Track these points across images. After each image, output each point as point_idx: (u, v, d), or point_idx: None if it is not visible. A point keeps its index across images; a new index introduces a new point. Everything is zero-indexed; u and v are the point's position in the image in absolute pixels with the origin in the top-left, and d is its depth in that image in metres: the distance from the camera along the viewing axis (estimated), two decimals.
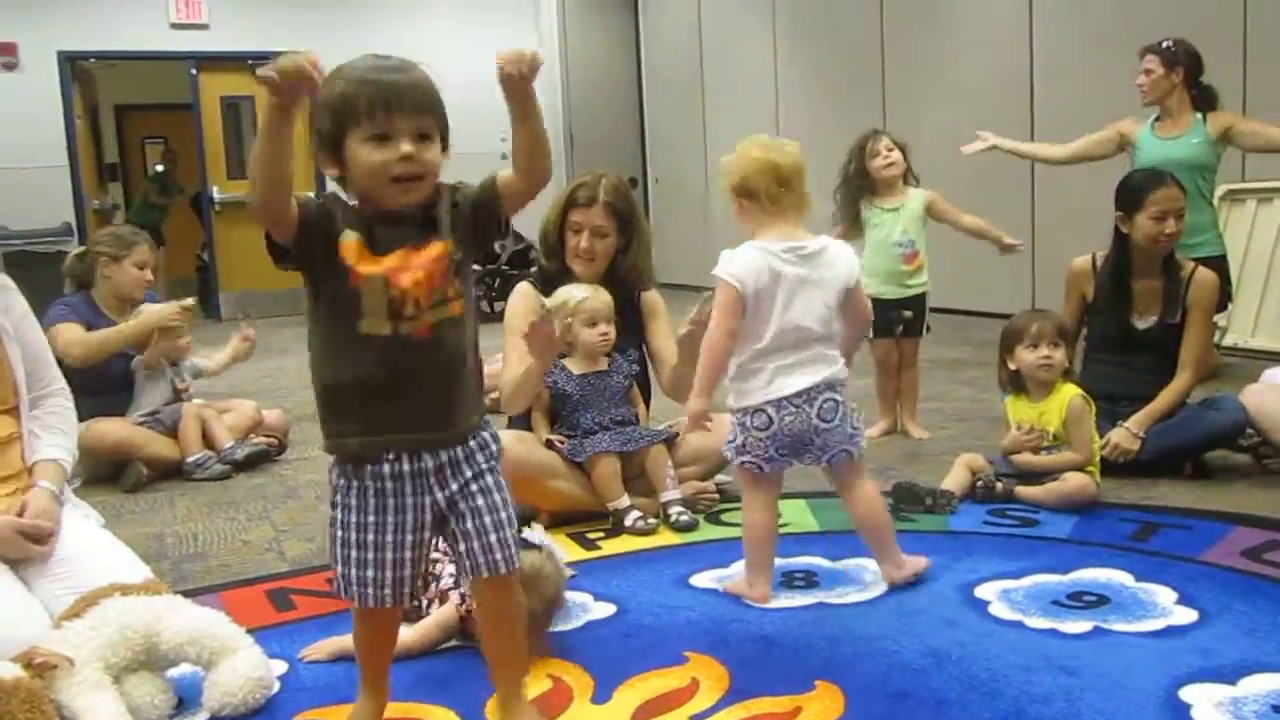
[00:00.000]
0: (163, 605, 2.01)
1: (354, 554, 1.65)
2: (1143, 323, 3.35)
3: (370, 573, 1.65)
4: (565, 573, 2.27)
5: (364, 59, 1.62)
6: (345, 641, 2.13)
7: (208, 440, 3.94)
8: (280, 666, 2.12)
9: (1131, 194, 3.34)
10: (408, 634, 2.15)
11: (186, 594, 2.27)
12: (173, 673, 2.02)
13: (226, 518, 3.34)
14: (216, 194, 10.19)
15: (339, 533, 1.67)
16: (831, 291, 2.35)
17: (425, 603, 2.24)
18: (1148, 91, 4.49)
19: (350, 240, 1.60)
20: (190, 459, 3.85)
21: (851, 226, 3.96)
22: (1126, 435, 3.22)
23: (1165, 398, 3.26)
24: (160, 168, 11.50)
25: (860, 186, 3.94)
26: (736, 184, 2.37)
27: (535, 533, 2.30)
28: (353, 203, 1.65)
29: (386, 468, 1.63)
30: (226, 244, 10.26)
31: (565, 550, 2.77)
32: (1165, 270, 3.33)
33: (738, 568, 2.51)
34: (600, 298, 3.02)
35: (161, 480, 3.82)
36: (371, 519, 1.64)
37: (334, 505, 1.68)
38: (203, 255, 10.16)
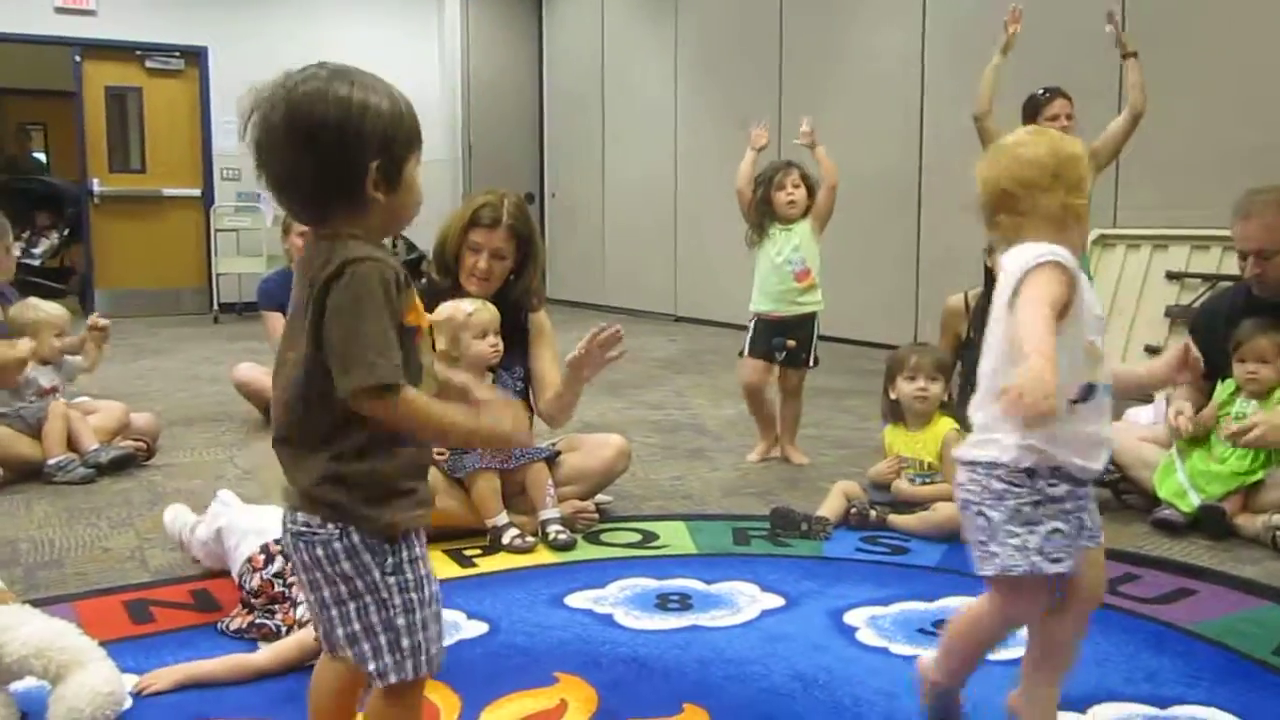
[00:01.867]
0: (8, 615, 1.92)
1: (434, 625, 1.45)
2: None
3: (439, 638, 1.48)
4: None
5: (357, 72, 1.39)
6: (191, 669, 2.06)
7: (72, 442, 3.78)
8: (133, 682, 2.04)
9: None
10: (264, 654, 2.10)
11: (38, 603, 2.16)
12: (16, 686, 1.93)
13: (87, 524, 3.21)
14: (97, 186, 9.83)
15: (431, 608, 1.45)
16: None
17: (283, 627, 2.20)
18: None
19: (411, 289, 1.42)
20: (52, 461, 3.69)
21: (755, 236, 4.06)
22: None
23: None
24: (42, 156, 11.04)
25: (763, 212, 4.02)
26: (990, 194, 1.74)
27: None
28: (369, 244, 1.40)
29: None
30: (105, 239, 9.90)
31: (445, 569, 2.74)
32: None
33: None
34: (489, 311, 3.01)
35: (20, 482, 3.65)
36: (436, 586, 1.47)
37: (406, 583, 1.41)
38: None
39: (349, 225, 1.38)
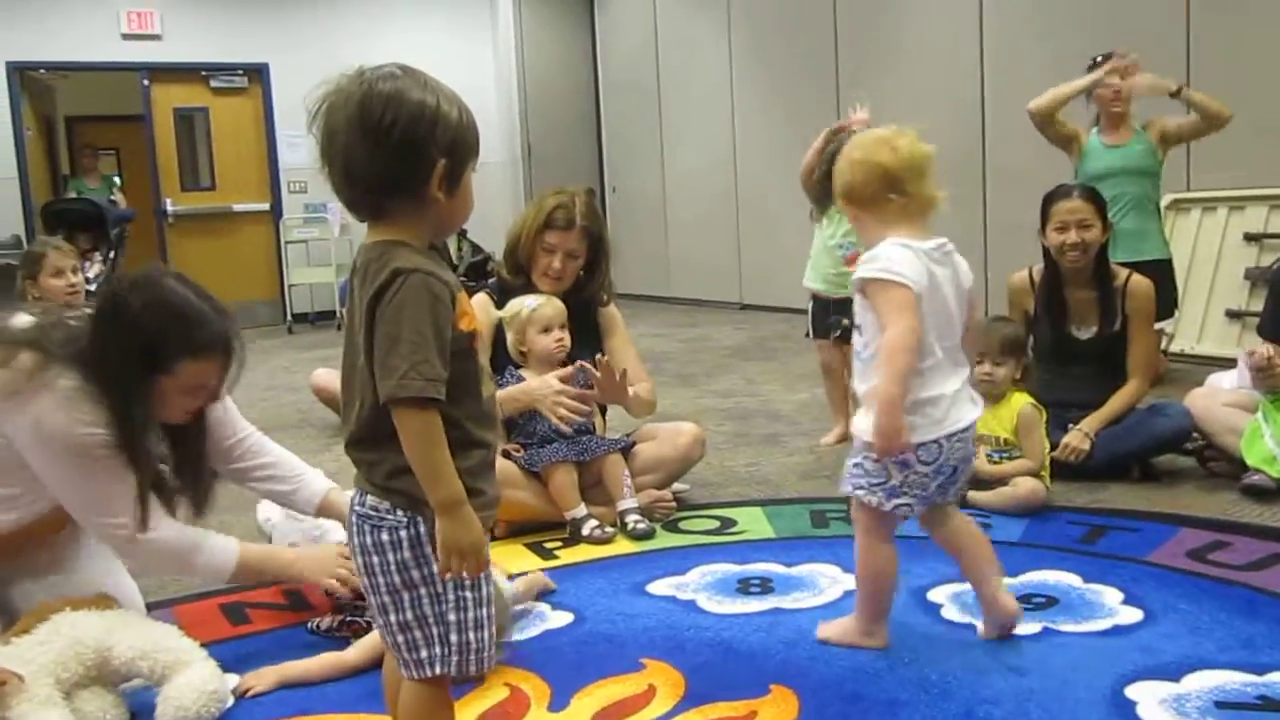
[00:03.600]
0: (115, 619, 2.00)
1: (486, 627, 1.47)
2: (1083, 333, 3.41)
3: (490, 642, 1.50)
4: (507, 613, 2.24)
5: (429, 76, 1.42)
6: (287, 670, 2.12)
7: None
8: (235, 680, 2.10)
9: (1042, 207, 3.42)
10: (354, 651, 2.15)
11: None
12: (125, 687, 2.00)
13: None
14: (170, 206, 10.09)
15: (484, 609, 1.46)
16: (965, 294, 2.09)
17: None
18: (1124, 102, 4.48)
19: (461, 294, 1.45)
20: None
21: (818, 212, 4.04)
22: (1079, 436, 3.27)
23: (1116, 402, 3.33)
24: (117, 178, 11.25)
25: (825, 189, 3.99)
26: (841, 191, 2.10)
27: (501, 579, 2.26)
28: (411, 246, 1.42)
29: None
30: (181, 256, 10.15)
31: (526, 562, 2.78)
32: (1098, 280, 3.39)
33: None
34: (553, 305, 3.05)
35: None
36: (491, 589, 1.49)
37: (463, 581, 1.43)
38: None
39: (403, 224, 1.42)
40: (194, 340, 1.99)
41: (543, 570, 2.65)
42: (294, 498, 2.44)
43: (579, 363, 3.02)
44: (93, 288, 8.25)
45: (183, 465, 2.11)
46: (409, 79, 1.39)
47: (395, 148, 1.37)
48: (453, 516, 1.37)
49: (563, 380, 2.98)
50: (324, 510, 2.44)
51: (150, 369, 1.97)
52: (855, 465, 2.10)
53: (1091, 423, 3.29)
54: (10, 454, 2.03)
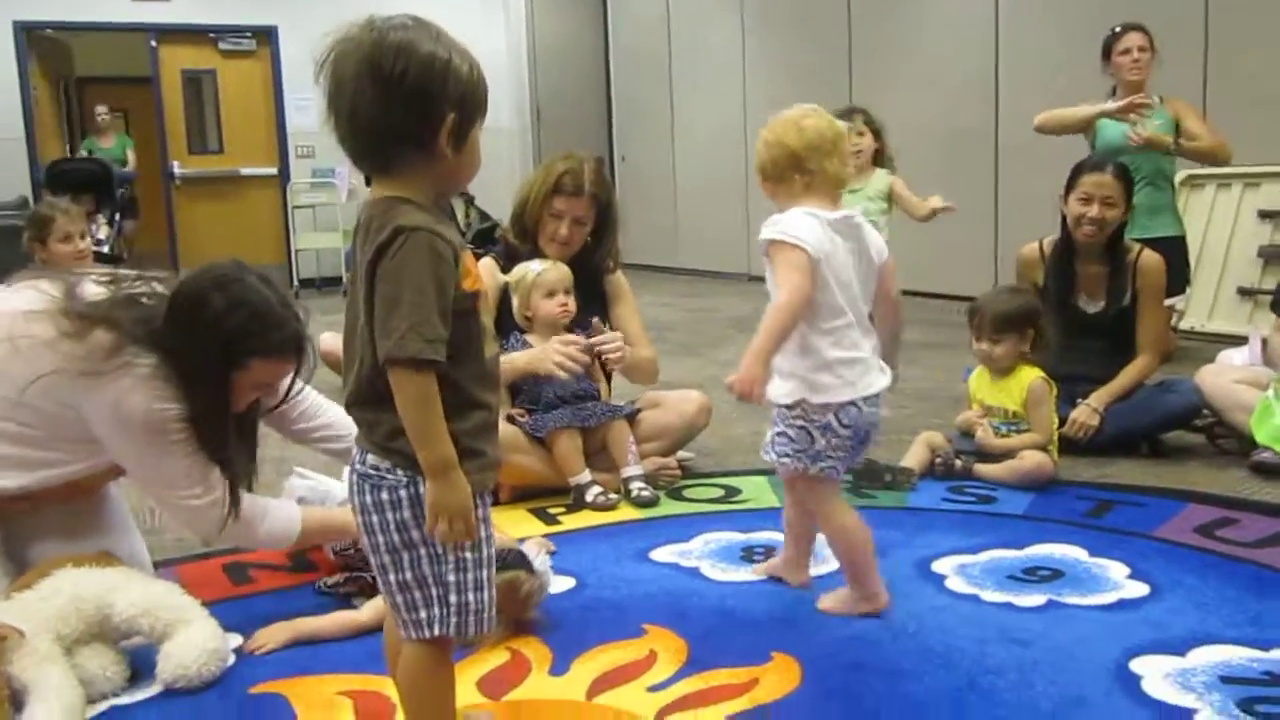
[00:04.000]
0: (116, 576, 1.99)
1: (487, 589, 1.46)
2: (1090, 307, 3.38)
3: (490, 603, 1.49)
4: (543, 594, 2.21)
5: (441, 30, 1.40)
6: (299, 626, 2.12)
7: None
8: (236, 639, 2.10)
9: (1071, 174, 3.38)
10: (365, 610, 2.15)
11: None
12: (126, 644, 2.00)
13: None
14: (177, 169, 10.06)
15: (485, 570, 1.45)
16: (874, 267, 2.16)
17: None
18: (1141, 69, 4.41)
19: (466, 254, 1.42)
20: None
21: None
22: (1087, 411, 3.26)
23: (1125, 377, 3.30)
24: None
25: None
26: (757, 170, 2.17)
27: (537, 556, 2.23)
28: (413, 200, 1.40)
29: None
30: (187, 219, 10.14)
31: (530, 527, 2.78)
32: (1109, 256, 3.35)
33: (765, 563, 2.42)
34: (558, 270, 3.03)
35: None
36: (492, 551, 1.48)
37: (464, 541, 1.42)
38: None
39: (409, 179, 1.39)
40: (271, 341, 2.00)
41: (546, 535, 2.65)
42: (347, 455, 2.43)
43: (594, 321, 3.01)
44: (106, 249, 8.18)
45: (238, 440, 2.10)
46: (421, 29, 1.37)
47: (405, 97, 1.34)
48: (441, 479, 1.36)
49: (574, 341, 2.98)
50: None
51: (226, 364, 1.99)
52: (779, 434, 2.13)
53: (1100, 398, 3.27)
54: (71, 425, 2.02)
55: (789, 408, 2.09)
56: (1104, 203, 3.26)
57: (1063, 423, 3.19)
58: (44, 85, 9.77)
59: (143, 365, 1.98)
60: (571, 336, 3.00)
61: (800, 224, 2.04)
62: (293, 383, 2.17)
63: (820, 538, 2.30)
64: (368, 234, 1.37)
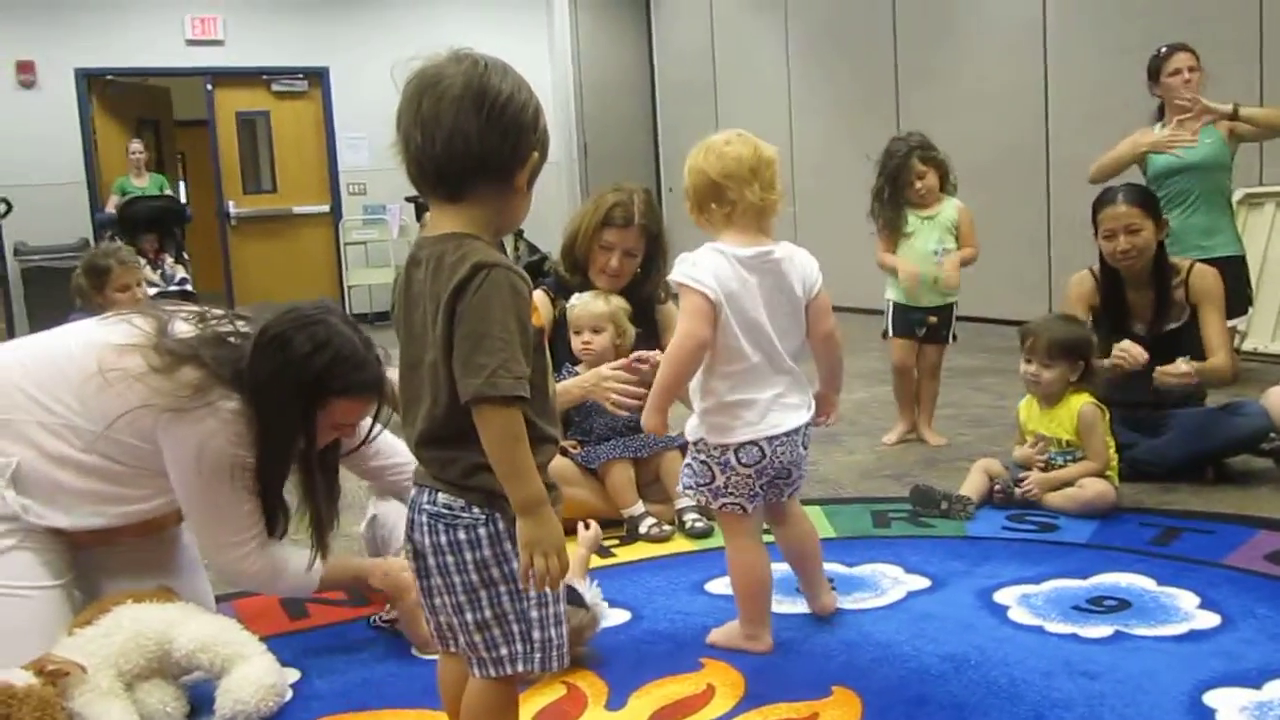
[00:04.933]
0: (176, 612, 2.01)
1: (564, 623, 1.46)
2: (1147, 331, 3.28)
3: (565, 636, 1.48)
4: (596, 628, 2.20)
5: (505, 64, 1.43)
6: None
7: None
8: (293, 674, 2.11)
9: (1091, 214, 3.31)
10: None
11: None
12: (186, 679, 2.01)
13: None
14: (232, 209, 10.25)
15: (562, 605, 1.46)
16: (800, 302, 2.12)
17: None
18: (1193, 89, 4.26)
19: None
20: None
21: (890, 240, 3.95)
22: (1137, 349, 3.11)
23: (1205, 366, 3.15)
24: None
25: (896, 206, 3.92)
26: (685, 197, 2.14)
27: (587, 589, 2.23)
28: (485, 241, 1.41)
29: None
30: (243, 258, 10.31)
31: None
32: (1156, 277, 3.25)
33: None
34: (587, 307, 3.02)
35: None
36: (563, 585, 1.47)
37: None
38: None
39: (476, 213, 1.40)
40: (352, 381, 2.03)
41: (601, 568, 2.63)
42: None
43: (635, 354, 3.00)
44: (189, 287, 8.21)
45: (318, 482, 2.12)
46: (515, 73, 1.42)
47: (504, 130, 1.37)
48: (534, 516, 1.34)
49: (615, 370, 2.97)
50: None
51: (309, 403, 2.02)
52: (686, 466, 2.16)
53: (1167, 366, 3.12)
54: (151, 460, 2.05)
55: (694, 444, 2.12)
56: (1128, 232, 3.18)
57: (1122, 448, 3.10)
58: (117, 128, 9.91)
59: (227, 407, 2.01)
60: (617, 365, 2.97)
61: (704, 265, 2.03)
62: (374, 424, 2.19)
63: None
64: (437, 270, 1.37)
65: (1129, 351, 3.11)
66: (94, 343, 2.09)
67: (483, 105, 1.35)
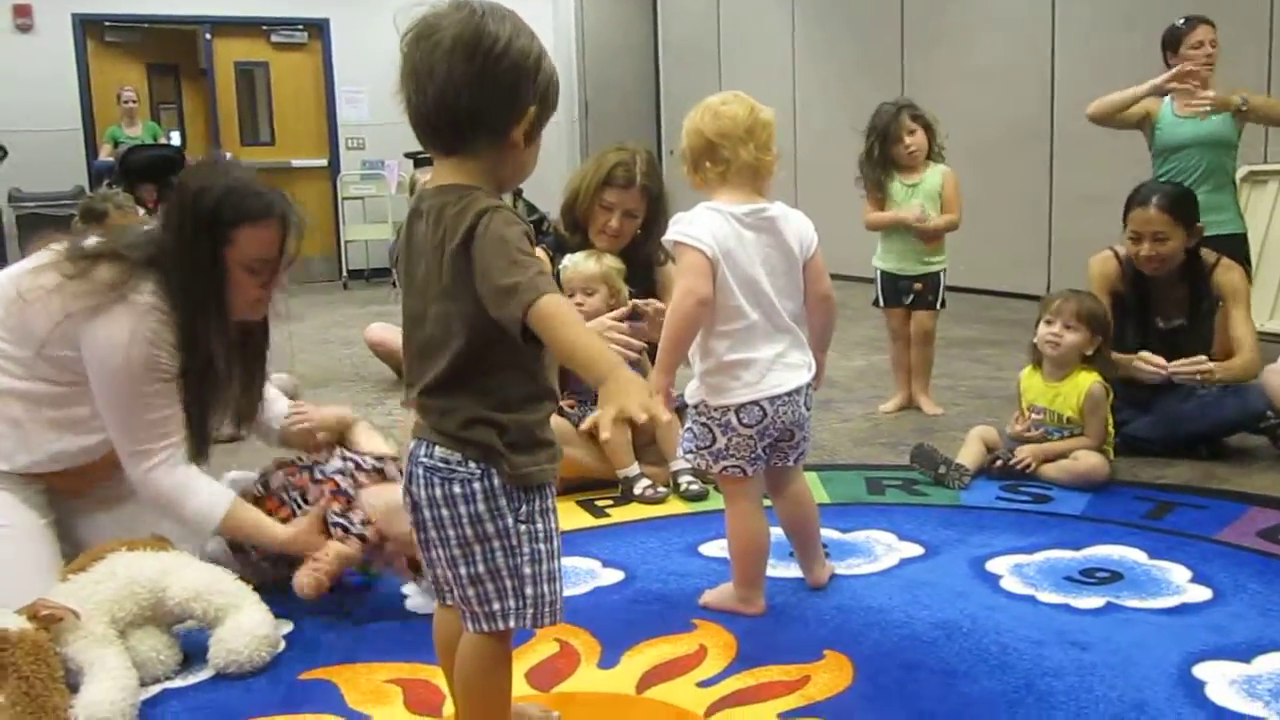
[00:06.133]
0: (170, 560, 2.01)
1: (558, 579, 1.45)
2: (1166, 323, 3.26)
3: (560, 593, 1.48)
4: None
5: (510, 12, 1.38)
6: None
7: None
8: (286, 625, 2.11)
9: (1124, 207, 3.26)
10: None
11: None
12: (179, 628, 2.01)
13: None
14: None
15: (555, 562, 1.45)
16: (797, 261, 2.12)
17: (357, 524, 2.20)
18: (1213, 64, 4.09)
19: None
20: None
21: (879, 200, 3.95)
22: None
23: (1233, 363, 3.14)
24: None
25: (884, 165, 3.93)
26: (680, 158, 2.16)
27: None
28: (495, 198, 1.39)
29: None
30: None
31: (578, 519, 2.77)
32: (1185, 273, 3.22)
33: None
34: (578, 269, 3.00)
35: None
36: (560, 542, 1.47)
37: (536, 533, 1.42)
38: None
39: (474, 166, 1.38)
40: (248, 208, 2.07)
41: (596, 528, 2.64)
42: (261, 419, 2.43)
43: (631, 302, 2.98)
44: None
45: (242, 368, 2.16)
46: (515, 21, 1.37)
47: (496, 82, 1.34)
48: (618, 378, 1.28)
49: (616, 320, 2.95)
50: (285, 439, 2.46)
51: (213, 242, 2.05)
52: (686, 429, 2.16)
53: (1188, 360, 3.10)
54: (85, 370, 2.07)
55: (695, 406, 2.11)
56: (1154, 239, 3.13)
57: (1117, 427, 3.09)
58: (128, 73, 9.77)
59: (143, 300, 2.03)
60: (617, 314, 2.96)
61: (700, 222, 2.04)
62: (283, 253, 2.17)
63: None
64: (439, 221, 1.36)
65: (1152, 362, 3.10)
66: (12, 274, 2.14)
67: (475, 54, 1.33)
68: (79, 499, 2.23)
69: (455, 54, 1.33)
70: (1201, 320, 3.23)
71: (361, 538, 2.16)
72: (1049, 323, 3.00)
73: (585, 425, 2.92)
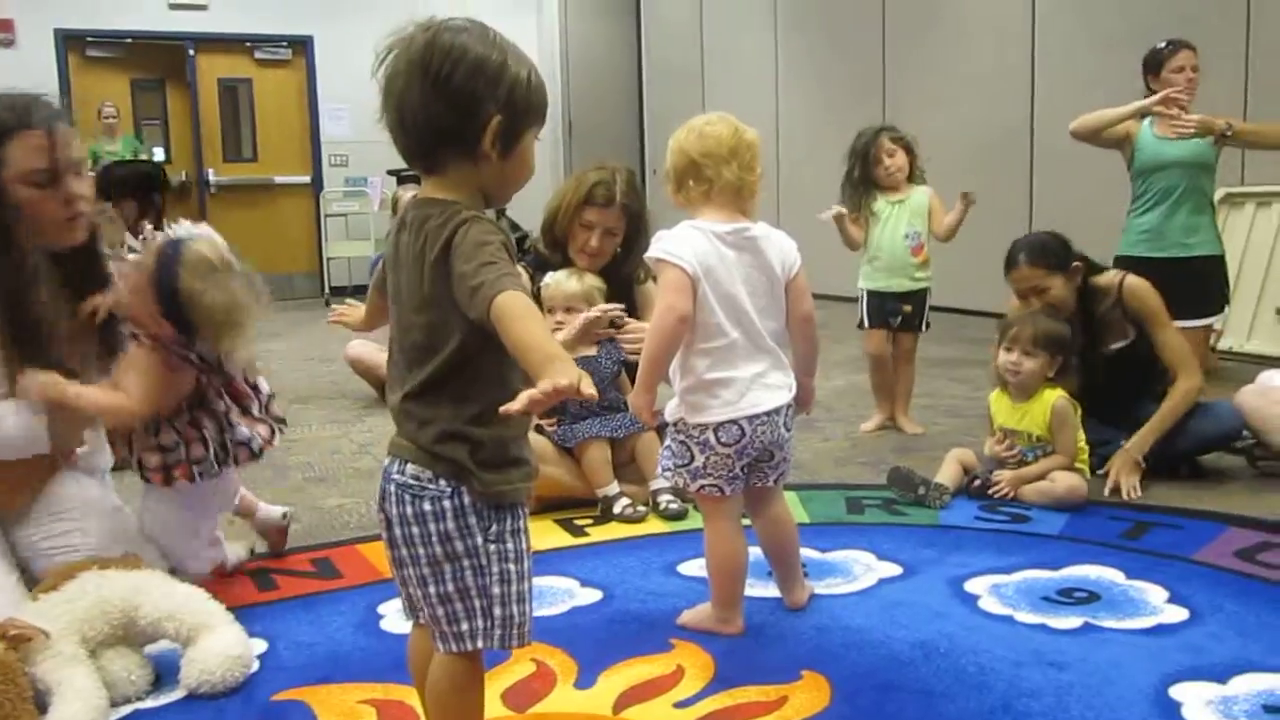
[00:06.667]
0: (142, 580, 1.99)
1: (528, 600, 1.44)
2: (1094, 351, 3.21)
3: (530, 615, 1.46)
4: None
5: (502, 36, 1.40)
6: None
7: None
8: (260, 646, 2.09)
9: (1004, 271, 3.25)
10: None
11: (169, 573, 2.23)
12: (151, 649, 1.99)
13: None
14: (212, 176, 10.14)
15: (525, 583, 1.43)
16: (779, 281, 2.11)
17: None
18: (1194, 89, 4.14)
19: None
20: None
21: (860, 220, 3.98)
22: (1128, 465, 3.08)
23: (1165, 410, 3.12)
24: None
25: (866, 187, 3.96)
26: (665, 172, 2.16)
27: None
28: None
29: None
30: (221, 226, 10.09)
31: (556, 539, 2.76)
32: (1084, 305, 3.19)
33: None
34: (561, 287, 3.00)
35: None
36: (531, 564, 1.45)
37: (506, 553, 1.41)
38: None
39: (455, 180, 1.39)
40: (5, 120, 2.09)
41: (574, 547, 2.63)
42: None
43: (608, 306, 2.99)
44: None
45: (73, 295, 2.17)
46: (477, 32, 1.38)
47: (450, 96, 1.34)
48: (561, 360, 1.24)
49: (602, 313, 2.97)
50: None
51: None
52: (665, 448, 2.16)
53: (1139, 444, 3.10)
54: None
55: (674, 424, 2.11)
56: (1036, 292, 3.13)
57: (1093, 445, 3.09)
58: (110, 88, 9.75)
59: None
60: (601, 308, 2.98)
61: (681, 239, 2.04)
62: (59, 159, 2.16)
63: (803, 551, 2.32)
64: (421, 232, 1.36)
65: (1127, 485, 3.05)
66: None
67: (428, 70, 1.33)
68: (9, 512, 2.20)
69: (412, 73, 1.34)
70: (1130, 343, 3.19)
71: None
72: (1008, 350, 3.01)
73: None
